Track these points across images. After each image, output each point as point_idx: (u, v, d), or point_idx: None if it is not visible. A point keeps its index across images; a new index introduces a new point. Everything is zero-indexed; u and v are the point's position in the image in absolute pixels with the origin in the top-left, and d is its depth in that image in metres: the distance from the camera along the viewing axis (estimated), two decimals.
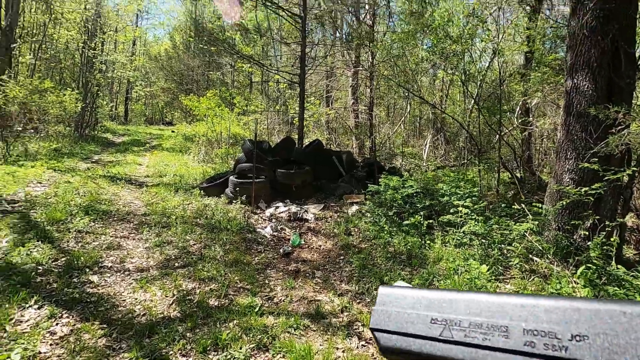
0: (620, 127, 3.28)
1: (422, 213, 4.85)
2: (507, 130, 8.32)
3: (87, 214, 4.82)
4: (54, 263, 3.41)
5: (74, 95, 11.57)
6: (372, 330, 0.40)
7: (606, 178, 3.36)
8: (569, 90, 4.00)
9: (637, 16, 4.13)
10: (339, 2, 9.56)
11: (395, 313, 0.39)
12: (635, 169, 3.36)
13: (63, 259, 3.49)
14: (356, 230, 5.10)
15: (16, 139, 8.62)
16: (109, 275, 3.34)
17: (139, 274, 3.42)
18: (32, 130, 10.24)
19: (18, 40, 12.01)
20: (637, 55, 4.38)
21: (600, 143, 3.47)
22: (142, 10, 27.28)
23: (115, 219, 4.91)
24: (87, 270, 3.36)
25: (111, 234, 4.33)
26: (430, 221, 4.77)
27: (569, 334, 0.30)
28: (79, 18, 14.92)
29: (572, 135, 3.91)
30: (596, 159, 3.48)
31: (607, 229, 3.45)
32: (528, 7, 7.79)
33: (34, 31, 15.50)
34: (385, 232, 4.67)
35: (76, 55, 15.99)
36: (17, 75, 12.92)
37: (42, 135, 10.46)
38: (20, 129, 8.95)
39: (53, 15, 14.59)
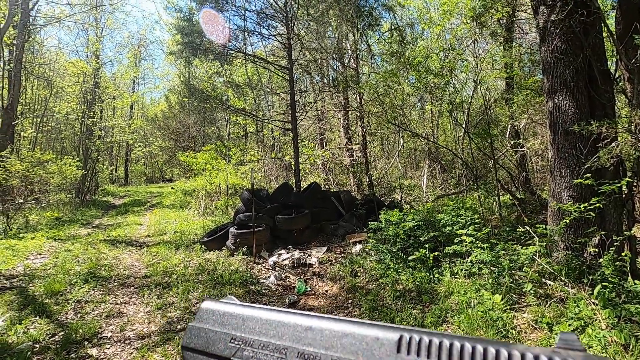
0: (606, 141, 3.32)
1: (426, 246, 4.75)
2: (500, 154, 8.41)
3: (86, 282, 4.72)
4: (51, 339, 3.27)
5: (75, 163, 11.83)
6: (182, 348, 0.37)
7: (601, 191, 3.34)
8: (551, 111, 4.10)
9: (604, 35, 4.35)
10: (323, 50, 10.10)
11: (206, 330, 0.37)
12: (629, 179, 3.35)
13: (61, 333, 3.36)
14: (362, 270, 4.97)
15: (17, 211, 8.67)
16: (108, 346, 3.19)
17: (139, 341, 3.28)
18: (33, 201, 10.33)
19: (19, 117, 12.52)
20: (611, 69, 4.56)
21: (591, 158, 3.49)
22: (138, 76, 28.73)
23: (115, 284, 4.80)
24: (86, 343, 3.22)
25: (111, 301, 4.21)
26: (436, 253, 4.66)
27: (330, 359, 0.29)
28: (78, 90, 15.68)
29: (563, 153, 3.94)
30: (590, 174, 3.48)
31: (615, 243, 3.36)
32: (501, 38, 8.21)
33: (36, 106, 16.22)
34: (392, 270, 4.54)
35: (76, 125, 16.60)
36: (19, 149, 13.31)
37: (43, 205, 10.53)
38: (21, 201, 9.04)
39: (54, 90, 15.34)
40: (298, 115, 9.44)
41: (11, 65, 11.07)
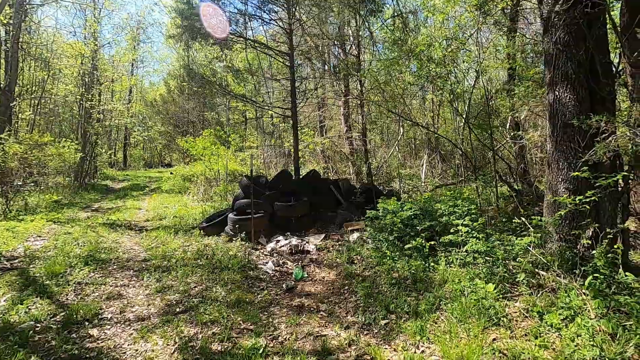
0: (604, 135, 3.33)
1: (423, 235, 4.81)
2: (500, 145, 8.41)
3: (86, 264, 4.78)
4: (52, 319, 3.34)
5: (73, 146, 11.78)
6: None
7: (597, 184, 3.37)
8: (551, 103, 4.10)
9: (607, 27, 4.30)
10: (324, 37, 9.97)
11: None
12: (625, 173, 3.37)
13: (62, 314, 3.43)
14: (359, 258, 5.04)
15: (16, 194, 8.68)
16: (108, 327, 3.26)
17: (139, 323, 3.35)
18: (32, 184, 10.33)
19: (17, 98, 12.40)
20: (614, 62, 4.53)
21: (589, 151, 3.51)
22: (136, 59, 28.34)
23: (115, 267, 4.86)
24: (87, 323, 3.29)
25: (111, 283, 4.28)
26: (432, 242, 4.72)
27: None
28: (76, 72, 15.48)
29: (561, 146, 3.96)
30: (586, 167, 3.51)
31: (609, 236, 3.42)
32: (505, 28, 8.11)
33: (33, 88, 16.04)
34: (388, 258, 4.61)
35: (74, 107, 16.46)
36: (17, 131, 13.22)
37: (42, 188, 10.54)
38: (20, 183, 9.03)
39: (51, 72, 15.15)
40: (298, 103, 9.39)
41: (8, 45, 10.91)
